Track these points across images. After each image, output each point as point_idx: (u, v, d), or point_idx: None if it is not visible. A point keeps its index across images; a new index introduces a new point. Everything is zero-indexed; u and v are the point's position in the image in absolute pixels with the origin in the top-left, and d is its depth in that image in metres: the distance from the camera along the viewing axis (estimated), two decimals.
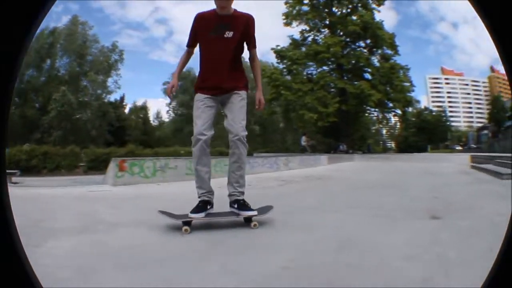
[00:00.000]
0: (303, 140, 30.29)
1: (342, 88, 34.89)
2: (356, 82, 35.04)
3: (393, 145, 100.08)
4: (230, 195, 3.58)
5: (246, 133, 3.48)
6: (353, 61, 36.23)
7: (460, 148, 69.23)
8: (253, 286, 1.99)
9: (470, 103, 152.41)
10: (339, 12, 37.24)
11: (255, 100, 3.65)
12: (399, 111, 39.24)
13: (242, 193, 3.55)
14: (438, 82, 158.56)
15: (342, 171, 14.60)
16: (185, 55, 3.74)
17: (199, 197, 3.46)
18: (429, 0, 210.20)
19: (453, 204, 5.24)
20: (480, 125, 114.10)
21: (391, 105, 36.76)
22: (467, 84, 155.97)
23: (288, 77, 37.00)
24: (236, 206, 3.47)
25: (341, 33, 37.03)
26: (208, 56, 3.51)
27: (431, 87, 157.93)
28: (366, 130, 51.26)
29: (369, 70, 36.46)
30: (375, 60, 37.68)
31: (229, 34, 3.36)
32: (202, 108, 3.43)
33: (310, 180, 10.15)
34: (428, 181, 9.87)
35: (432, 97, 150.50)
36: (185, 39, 3.75)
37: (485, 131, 77.86)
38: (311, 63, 37.42)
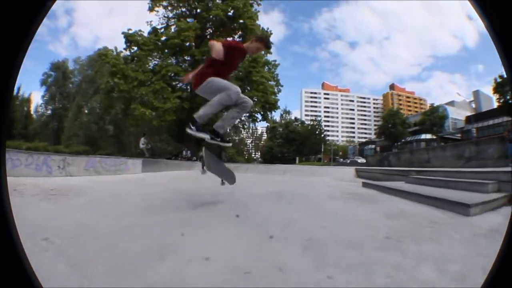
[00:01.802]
0: (142, 142, 26.93)
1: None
2: None
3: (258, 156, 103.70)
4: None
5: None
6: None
7: (362, 160, 67.67)
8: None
9: (353, 118, 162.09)
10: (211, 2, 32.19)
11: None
12: (259, 116, 33.71)
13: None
14: (316, 97, 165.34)
15: (126, 183, 10.57)
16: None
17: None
18: (328, 18, 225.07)
19: None
20: (363, 140, 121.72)
21: None
22: (352, 100, 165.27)
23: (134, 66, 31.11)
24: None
25: (207, 24, 32.69)
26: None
27: (307, 101, 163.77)
28: None
29: None
30: None
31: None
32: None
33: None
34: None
35: (306, 110, 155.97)
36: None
37: (371, 146, 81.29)
38: (165, 52, 32.21)
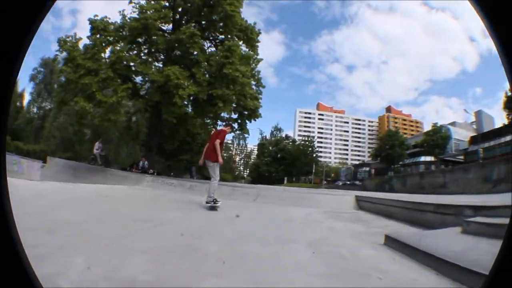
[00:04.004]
0: (96, 147, 24.38)
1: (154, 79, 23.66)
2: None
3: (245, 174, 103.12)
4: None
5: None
6: (179, 44, 24.58)
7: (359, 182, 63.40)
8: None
9: (347, 140, 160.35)
10: None
11: None
12: (236, 125, 27.15)
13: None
14: (310, 117, 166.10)
15: None
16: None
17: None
18: (327, 40, 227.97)
19: None
20: (357, 162, 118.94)
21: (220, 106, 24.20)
22: (347, 122, 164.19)
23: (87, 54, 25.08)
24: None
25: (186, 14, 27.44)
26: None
27: (300, 121, 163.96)
28: (198, 148, 38.76)
29: (195, 52, 25.12)
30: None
31: None
32: None
33: None
34: None
35: (300, 130, 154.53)
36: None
37: (365, 168, 77.59)
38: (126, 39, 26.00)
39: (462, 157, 58.97)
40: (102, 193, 9.91)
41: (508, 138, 47.81)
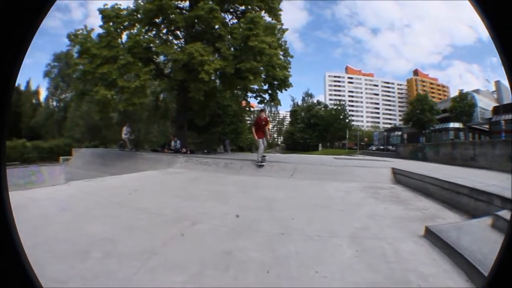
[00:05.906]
0: (124, 132, 24.53)
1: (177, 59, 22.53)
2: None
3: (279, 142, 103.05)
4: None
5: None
6: (198, 20, 23.50)
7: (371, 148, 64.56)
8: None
9: (377, 103, 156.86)
10: None
11: None
12: (266, 96, 26.94)
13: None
14: (339, 81, 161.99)
15: None
16: None
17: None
18: (349, 4, 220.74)
19: None
20: (388, 126, 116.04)
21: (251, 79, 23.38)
22: (376, 85, 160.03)
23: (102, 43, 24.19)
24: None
25: None
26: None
27: (330, 85, 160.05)
28: (230, 119, 39.12)
29: (216, 27, 23.57)
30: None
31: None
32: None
33: None
34: None
35: (330, 94, 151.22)
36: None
37: (397, 132, 75.72)
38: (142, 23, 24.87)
39: (487, 126, 58.26)
40: (132, 186, 9.40)
41: None
